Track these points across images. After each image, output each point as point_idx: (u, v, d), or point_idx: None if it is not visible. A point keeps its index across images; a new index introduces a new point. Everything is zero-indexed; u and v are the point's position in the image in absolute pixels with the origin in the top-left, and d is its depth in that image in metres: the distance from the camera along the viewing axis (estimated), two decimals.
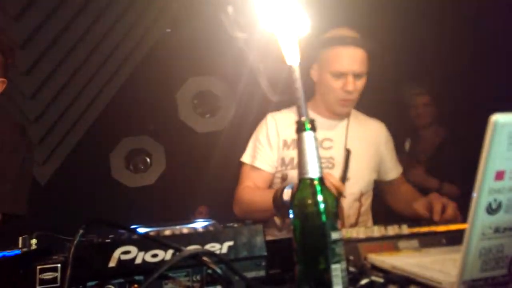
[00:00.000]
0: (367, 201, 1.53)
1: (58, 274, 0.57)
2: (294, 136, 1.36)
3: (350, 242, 0.80)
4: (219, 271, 0.58)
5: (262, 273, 0.64)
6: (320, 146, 1.44)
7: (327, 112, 1.50)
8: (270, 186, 1.50)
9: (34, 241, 0.80)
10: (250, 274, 0.62)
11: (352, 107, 1.50)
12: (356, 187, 1.47)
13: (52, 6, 2.43)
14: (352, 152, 1.47)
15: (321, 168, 0.59)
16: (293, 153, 1.45)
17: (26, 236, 0.80)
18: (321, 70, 1.46)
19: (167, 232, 0.65)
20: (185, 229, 0.67)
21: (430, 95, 2.23)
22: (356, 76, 1.40)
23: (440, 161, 2.14)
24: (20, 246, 0.79)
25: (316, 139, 0.60)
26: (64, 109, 2.81)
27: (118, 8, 2.74)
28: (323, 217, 0.57)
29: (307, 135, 0.60)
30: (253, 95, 2.62)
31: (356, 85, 1.40)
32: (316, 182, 0.58)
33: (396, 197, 1.59)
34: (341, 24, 1.49)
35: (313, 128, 0.60)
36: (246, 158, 1.52)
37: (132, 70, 3.08)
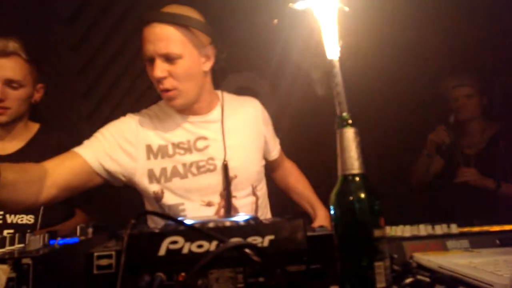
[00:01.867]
0: (262, 191, 1.35)
1: (113, 261, 0.62)
2: (161, 141, 1.20)
3: (394, 241, 0.78)
4: (260, 263, 0.60)
5: (302, 267, 0.64)
6: (194, 149, 1.22)
7: (194, 108, 1.24)
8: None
9: (90, 230, 0.87)
10: (291, 268, 0.63)
11: (180, 99, 1.16)
12: (247, 183, 1.28)
13: (102, 8, 2.57)
14: (231, 147, 1.25)
15: (362, 164, 0.59)
16: (164, 163, 1.19)
17: (83, 225, 0.87)
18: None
19: (211, 224, 0.68)
20: (227, 222, 0.69)
21: (472, 86, 2.07)
22: (166, 57, 1.11)
23: (491, 157, 1.99)
24: (78, 234, 0.86)
25: (357, 134, 0.59)
26: (114, 107, 2.98)
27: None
28: (365, 214, 0.56)
29: (349, 131, 0.59)
30: (291, 92, 2.61)
31: (168, 69, 1.11)
32: (358, 178, 0.58)
33: (278, 173, 1.54)
34: None
35: (353, 124, 0.60)
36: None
37: None
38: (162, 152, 1.21)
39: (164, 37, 1.10)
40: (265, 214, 1.37)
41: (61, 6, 2.42)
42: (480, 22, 2.18)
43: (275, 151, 1.48)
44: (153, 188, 1.21)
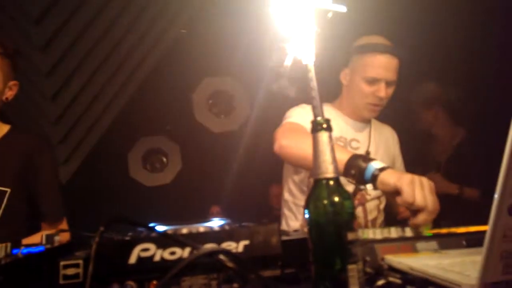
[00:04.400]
0: (384, 200, 1.57)
1: (80, 270, 0.59)
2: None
3: (366, 243, 0.79)
4: (235, 269, 0.59)
5: (277, 272, 0.64)
6: (349, 146, 1.50)
7: (353, 115, 1.55)
8: None
9: (57, 238, 0.83)
10: (266, 273, 0.63)
11: (378, 113, 1.54)
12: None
13: (71, 9, 2.49)
14: (371, 155, 1.51)
15: (336, 168, 0.59)
16: None
17: (49, 232, 0.83)
18: (353, 74, 1.50)
19: (184, 230, 0.66)
20: (201, 227, 0.68)
21: (432, 97, 2.16)
22: (388, 83, 1.44)
23: (459, 163, 2.08)
24: (44, 242, 0.82)
25: (331, 138, 0.60)
26: (84, 110, 2.88)
27: (134, 10, 2.79)
28: (339, 218, 0.57)
29: (323, 135, 0.60)
30: (268, 95, 2.62)
31: (387, 92, 1.45)
32: (332, 182, 0.58)
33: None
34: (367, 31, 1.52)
35: (329, 128, 0.60)
36: (292, 119, 1.48)
37: (149, 71, 3.12)
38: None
39: (393, 68, 1.44)
40: (382, 220, 1.56)
41: (30, 6, 2.32)
42: (446, 32, 2.28)
43: None
44: None
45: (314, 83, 0.62)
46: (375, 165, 1.00)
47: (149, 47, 3.02)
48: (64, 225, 1.49)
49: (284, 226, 1.60)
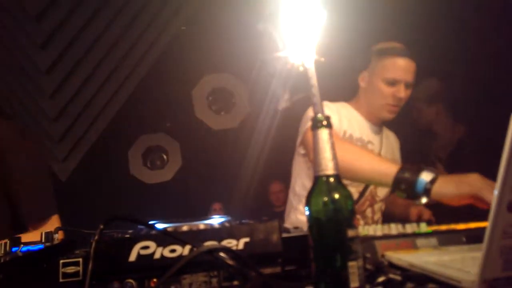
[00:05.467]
0: (384, 204, 1.66)
1: (80, 268, 0.59)
2: (348, 130, 1.53)
3: (367, 240, 0.79)
4: (235, 266, 0.59)
5: (278, 269, 0.64)
6: (365, 147, 1.55)
7: (370, 116, 1.59)
8: None
9: (56, 235, 0.82)
10: (266, 271, 0.63)
11: (396, 114, 1.57)
12: (384, 192, 1.60)
13: (70, 7, 2.49)
14: (384, 154, 1.59)
15: (337, 165, 0.59)
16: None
17: (48, 231, 0.83)
18: (372, 76, 1.54)
19: (185, 228, 0.66)
20: (201, 225, 0.68)
21: (431, 94, 2.16)
22: (407, 85, 1.49)
23: (460, 158, 2.08)
24: (43, 240, 0.82)
25: (331, 136, 0.60)
26: (83, 107, 2.88)
27: (134, 7, 2.78)
28: (339, 215, 0.57)
29: (323, 132, 0.59)
30: (267, 93, 2.62)
31: (406, 93, 1.50)
32: (332, 180, 0.58)
33: (395, 201, 1.67)
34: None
35: (329, 125, 0.60)
36: None
37: (148, 69, 3.12)
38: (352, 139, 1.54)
39: (412, 70, 1.49)
40: (381, 218, 1.63)
41: (30, 4, 2.31)
42: (447, 28, 2.28)
43: None
44: None
45: (314, 80, 0.62)
46: (425, 177, 1.02)
47: (148, 44, 3.01)
48: (52, 224, 1.40)
49: (293, 219, 1.60)
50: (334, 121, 1.48)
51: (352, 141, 1.51)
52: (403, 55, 1.49)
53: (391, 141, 1.71)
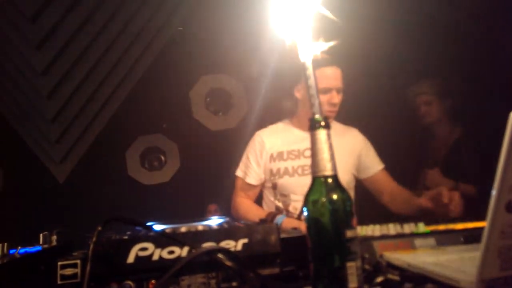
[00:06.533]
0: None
1: (78, 270, 0.58)
2: (280, 149, 1.61)
3: (365, 240, 0.80)
4: (234, 268, 0.59)
5: (276, 270, 0.64)
6: (302, 156, 1.64)
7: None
8: (258, 193, 1.77)
9: (54, 237, 0.82)
10: (265, 271, 0.63)
11: (333, 118, 1.66)
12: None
13: (66, 7, 2.48)
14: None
15: (335, 166, 0.59)
16: (279, 165, 1.67)
17: (46, 232, 0.83)
18: (306, 88, 1.55)
19: (183, 229, 0.66)
20: (200, 226, 0.68)
21: (431, 94, 2.16)
22: (338, 90, 1.60)
23: (456, 159, 2.08)
24: (41, 242, 0.82)
25: (329, 136, 0.60)
26: (80, 108, 2.87)
27: (130, 8, 2.78)
28: (338, 215, 0.57)
29: (320, 133, 0.59)
30: (265, 93, 2.62)
31: (338, 98, 1.61)
32: (330, 180, 0.58)
33: (393, 198, 1.71)
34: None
35: (327, 126, 0.60)
36: (239, 172, 1.75)
37: (146, 69, 3.11)
38: (279, 157, 1.68)
39: (339, 77, 1.60)
40: None
41: (26, 4, 2.30)
42: (445, 29, 2.29)
43: (372, 169, 1.74)
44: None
45: (312, 81, 0.62)
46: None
47: (145, 45, 3.00)
48: None
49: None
50: (266, 144, 1.68)
51: (282, 156, 1.65)
52: (329, 64, 1.59)
53: (346, 138, 1.73)
